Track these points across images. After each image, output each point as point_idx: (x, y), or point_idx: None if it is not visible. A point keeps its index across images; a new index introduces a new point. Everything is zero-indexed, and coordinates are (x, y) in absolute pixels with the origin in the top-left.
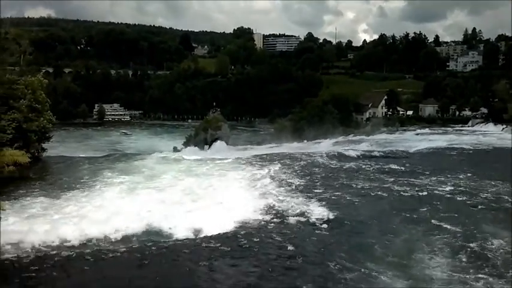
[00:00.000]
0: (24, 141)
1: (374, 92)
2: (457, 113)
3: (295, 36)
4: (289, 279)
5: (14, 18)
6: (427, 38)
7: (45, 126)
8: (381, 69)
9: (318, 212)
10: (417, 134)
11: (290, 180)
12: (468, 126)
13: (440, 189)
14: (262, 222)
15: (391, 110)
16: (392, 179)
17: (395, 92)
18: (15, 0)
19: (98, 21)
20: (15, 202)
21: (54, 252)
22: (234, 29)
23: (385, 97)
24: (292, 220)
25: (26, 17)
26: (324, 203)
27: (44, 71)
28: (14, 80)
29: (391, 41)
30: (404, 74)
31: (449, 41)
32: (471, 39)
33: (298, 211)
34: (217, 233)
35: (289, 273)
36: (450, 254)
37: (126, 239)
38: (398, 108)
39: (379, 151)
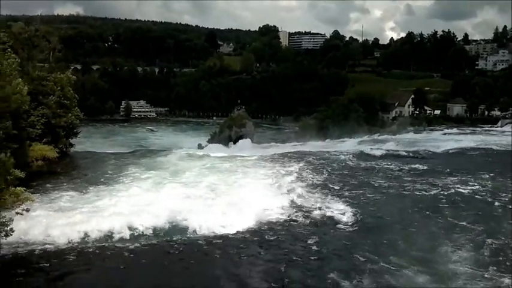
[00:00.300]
0: (53, 136)
1: (401, 91)
2: (486, 113)
3: (321, 34)
4: (316, 267)
5: (44, 16)
6: (455, 36)
7: (73, 122)
8: (408, 68)
9: (341, 209)
10: (444, 134)
11: (313, 178)
12: (497, 127)
13: (465, 188)
14: (286, 218)
15: (418, 109)
16: (417, 179)
17: (422, 91)
18: None
19: (126, 19)
20: (44, 195)
21: (81, 244)
22: (259, 27)
23: (412, 96)
24: (315, 216)
25: (56, 14)
26: (347, 200)
27: (72, 67)
28: (43, 77)
29: (419, 39)
30: (432, 72)
31: (478, 39)
32: (502, 38)
33: (321, 208)
34: (242, 228)
35: (315, 262)
36: (472, 249)
37: (151, 233)
38: (426, 108)
39: (404, 151)
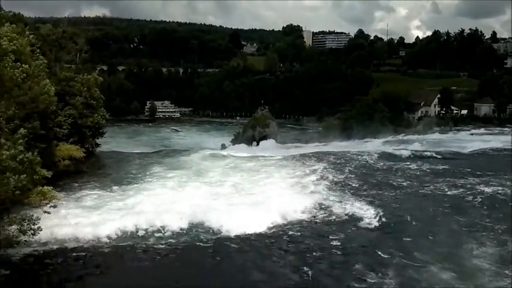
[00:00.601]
0: (79, 136)
1: (427, 90)
2: None
3: (345, 33)
4: (342, 260)
5: (71, 17)
6: (483, 34)
7: (99, 122)
8: (434, 67)
9: (364, 208)
10: (472, 134)
11: (336, 178)
12: None
13: (489, 189)
14: (310, 217)
15: (444, 109)
16: (441, 179)
17: (449, 91)
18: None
19: (151, 20)
20: (71, 194)
21: (107, 242)
22: (283, 27)
23: (438, 95)
24: (338, 215)
25: (83, 16)
26: (370, 200)
27: (98, 68)
28: (70, 78)
29: (445, 37)
30: (458, 71)
31: (507, 37)
32: None
33: (344, 207)
34: (267, 226)
35: (340, 257)
36: (496, 246)
37: (176, 231)
38: (452, 107)
39: (430, 151)
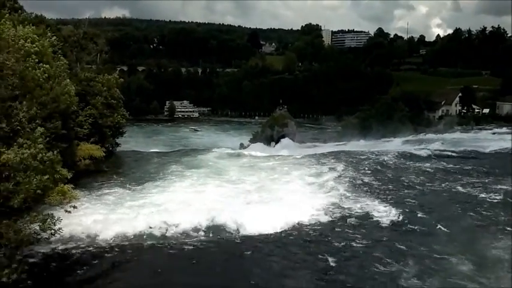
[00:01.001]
0: (100, 136)
1: (448, 89)
2: None
3: (364, 32)
4: (362, 251)
5: (92, 18)
6: (505, 31)
7: (119, 121)
8: (455, 66)
9: (382, 207)
10: (494, 133)
11: (355, 178)
12: None
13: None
14: (328, 215)
15: (465, 108)
16: (460, 179)
17: (470, 89)
18: (93, 0)
19: (170, 21)
20: (91, 193)
21: (126, 240)
22: (301, 26)
23: (460, 94)
24: (356, 213)
25: (103, 17)
26: (388, 199)
27: (119, 69)
28: (91, 78)
29: (467, 35)
30: (480, 70)
31: None
32: None
33: (362, 206)
34: (286, 224)
35: (362, 249)
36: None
37: (193, 231)
38: (474, 106)
39: (451, 151)
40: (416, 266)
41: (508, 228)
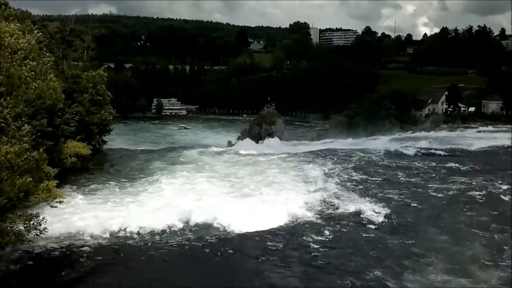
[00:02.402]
0: (86, 133)
1: (434, 88)
2: None
3: (352, 31)
4: (346, 248)
5: (79, 15)
6: (492, 31)
7: (106, 119)
8: (441, 64)
9: (370, 206)
10: (479, 132)
11: (343, 177)
12: None
13: (494, 188)
14: (315, 214)
15: (452, 107)
16: (448, 177)
17: (456, 88)
18: None
19: (158, 18)
20: (77, 191)
21: (112, 238)
22: (290, 24)
23: (446, 93)
24: (344, 212)
25: (90, 14)
26: (376, 197)
27: (105, 66)
28: (77, 75)
29: (453, 34)
30: (466, 69)
31: None
32: None
33: (350, 207)
34: (269, 226)
35: (347, 247)
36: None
37: (179, 230)
38: (460, 105)
39: (437, 149)
40: (398, 264)
41: (493, 225)
